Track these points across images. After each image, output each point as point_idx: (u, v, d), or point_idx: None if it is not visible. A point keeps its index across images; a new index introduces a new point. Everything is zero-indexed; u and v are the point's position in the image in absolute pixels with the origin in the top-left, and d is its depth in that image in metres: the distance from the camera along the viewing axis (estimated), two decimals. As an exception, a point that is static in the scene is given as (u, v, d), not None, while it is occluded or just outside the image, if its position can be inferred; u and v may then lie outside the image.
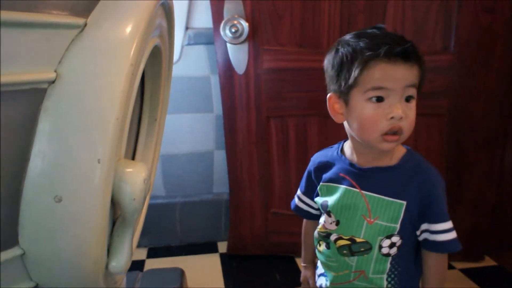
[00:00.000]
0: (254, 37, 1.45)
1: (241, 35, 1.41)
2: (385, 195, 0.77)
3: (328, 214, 0.84)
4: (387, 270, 0.81)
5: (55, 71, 0.49)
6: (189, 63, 1.66)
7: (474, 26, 1.43)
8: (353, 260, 0.81)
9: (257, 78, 1.50)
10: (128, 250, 0.59)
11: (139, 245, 1.77)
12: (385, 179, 0.78)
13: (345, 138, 0.87)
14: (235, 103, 1.55)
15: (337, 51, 0.77)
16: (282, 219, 1.65)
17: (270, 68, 1.49)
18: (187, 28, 1.64)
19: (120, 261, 0.58)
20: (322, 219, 0.87)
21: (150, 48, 0.70)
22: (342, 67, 0.75)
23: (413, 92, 0.74)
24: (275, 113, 1.54)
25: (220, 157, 1.75)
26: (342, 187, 0.81)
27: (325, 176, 0.85)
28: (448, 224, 0.79)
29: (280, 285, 1.54)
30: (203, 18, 1.63)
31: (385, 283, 0.82)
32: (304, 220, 0.99)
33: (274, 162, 1.61)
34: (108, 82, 0.51)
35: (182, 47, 1.64)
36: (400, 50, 0.70)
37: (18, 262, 0.52)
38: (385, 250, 0.79)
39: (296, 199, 0.97)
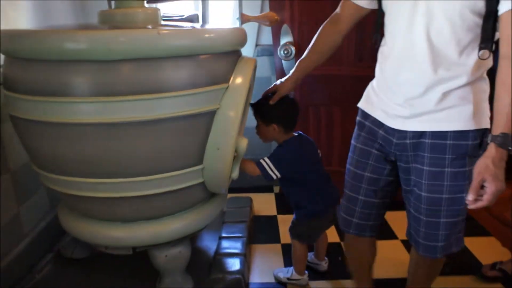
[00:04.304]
0: (298, 55, 2.28)
1: (290, 55, 2.26)
2: None
3: None
4: None
5: (219, 104, 1.38)
6: (258, 68, 2.52)
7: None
8: None
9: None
10: (237, 170, 1.50)
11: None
12: None
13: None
14: (286, 95, 2.42)
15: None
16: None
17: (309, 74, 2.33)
18: (256, 45, 2.51)
19: (235, 174, 1.50)
20: None
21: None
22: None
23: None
24: (311, 102, 2.39)
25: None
26: None
27: None
28: None
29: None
30: (268, 37, 2.48)
31: None
32: None
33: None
34: (237, 108, 1.39)
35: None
36: None
37: (200, 171, 1.45)
38: None
39: None
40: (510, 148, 1.02)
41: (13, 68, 1.33)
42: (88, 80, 1.24)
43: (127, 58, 1.22)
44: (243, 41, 1.51)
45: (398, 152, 1.24)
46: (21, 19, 1.77)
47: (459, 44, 1.06)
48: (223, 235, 2.03)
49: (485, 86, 1.17)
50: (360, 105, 1.36)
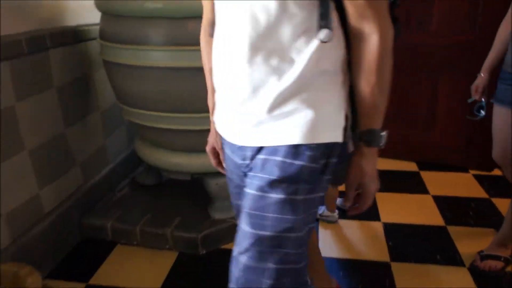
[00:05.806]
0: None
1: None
2: None
3: None
4: None
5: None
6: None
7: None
8: None
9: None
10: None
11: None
12: None
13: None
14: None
15: None
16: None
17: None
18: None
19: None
20: None
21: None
22: None
23: None
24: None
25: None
26: None
27: None
28: None
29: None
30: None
31: None
32: None
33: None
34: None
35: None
36: None
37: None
38: None
39: None
40: (381, 145, 0.84)
41: (107, 23, 1.74)
42: (162, 32, 1.60)
43: (191, 15, 1.56)
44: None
45: (244, 177, 0.91)
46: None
47: (292, 22, 0.77)
48: (268, 178, 2.34)
49: (342, 84, 0.84)
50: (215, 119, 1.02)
